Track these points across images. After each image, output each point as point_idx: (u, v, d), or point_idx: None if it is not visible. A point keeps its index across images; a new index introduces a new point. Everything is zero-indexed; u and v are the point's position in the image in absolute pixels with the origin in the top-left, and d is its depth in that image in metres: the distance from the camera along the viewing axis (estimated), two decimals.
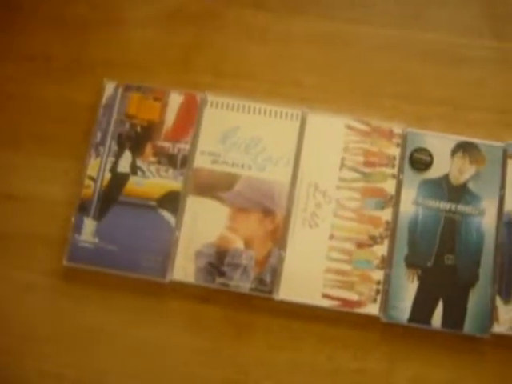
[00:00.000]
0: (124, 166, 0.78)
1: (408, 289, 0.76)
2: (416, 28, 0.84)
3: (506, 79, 0.83)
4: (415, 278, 0.76)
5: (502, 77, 0.83)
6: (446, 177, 0.79)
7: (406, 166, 0.79)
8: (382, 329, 0.76)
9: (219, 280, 0.75)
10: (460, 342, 0.76)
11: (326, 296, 0.75)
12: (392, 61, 0.83)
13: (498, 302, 0.76)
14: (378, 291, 0.76)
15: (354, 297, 0.75)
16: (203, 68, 0.82)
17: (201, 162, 0.78)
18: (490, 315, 0.75)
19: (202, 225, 0.77)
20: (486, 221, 0.78)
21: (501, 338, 0.75)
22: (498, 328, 0.75)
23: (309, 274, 0.76)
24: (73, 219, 0.77)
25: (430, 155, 0.79)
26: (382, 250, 0.77)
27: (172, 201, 0.77)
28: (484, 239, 0.77)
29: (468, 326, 0.75)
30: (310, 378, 0.75)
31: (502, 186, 0.79)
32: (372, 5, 0.85)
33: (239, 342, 0.76)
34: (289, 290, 0.76)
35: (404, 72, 0.83)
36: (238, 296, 0.76)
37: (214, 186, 0.78)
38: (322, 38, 0.83)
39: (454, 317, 0.75)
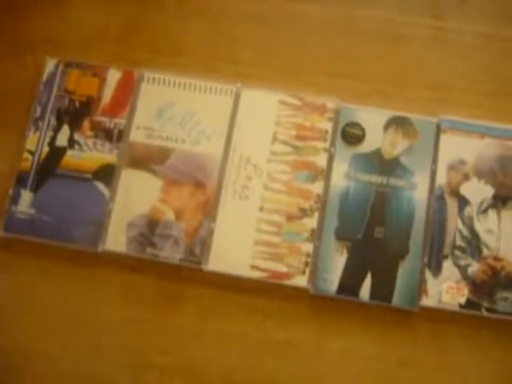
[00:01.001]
0: (62, 140, 0.80)
1: (337, 261, 0.76)
2: (355, 6, 0.85)
3: (442, 57, 0.83)
4: (345, 251, 0.76)
5: (438, 54, 0.83)
6: (379, 151, 0.79)
7: (339, 140, 0.79)
8: (311, 301, 0.76)
9: (150, 250, 0.77)
10: (389, 315, 0.76)
11: (254, 268, 0.76)
12: (330, 38, 0.84)
13: (428, 275, 0.76)
14: (306, 263, 0.76)
15: (282, 269, 0.76)
16: (142, 45, 0.84)
17: (136, 136, 0.80)
18: (419, 288, 0.75)
19: (135, 197, 0.78)
20: (418, 194, 0.78)
21: (429, 311, 0.75)
22: (427, 301, 0.75)
23: (238, 245, 0.77)
24: (10, 191, 0.79)
25: (363, 129, 0.79)
26: (312, 222, 0.77)
27: (107, 173, 0.79)
28: (415, 213, 0.77)
29: (397, 299, 0.75)
30: (238, 347, 0.76)
31: (434, 161, 0.79)
32: None
33: (169, 312, 0.77)
34: (218, 262, 0.76)
35: (342, 49, 0.84)
36: (169, 266, 0.77)
37: (148, 160, 0.79)
38: (260, 15, 0.85)
39: (383, 289, 0.75)
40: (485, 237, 0.77)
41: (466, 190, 0.78)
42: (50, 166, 0.79)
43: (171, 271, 0.77)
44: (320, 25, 0.84)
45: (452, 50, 0.84)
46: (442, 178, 0.78)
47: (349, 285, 0.76)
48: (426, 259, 0.76)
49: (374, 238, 0.76)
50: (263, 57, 0.83)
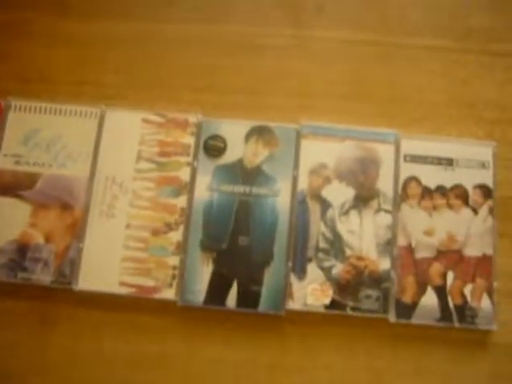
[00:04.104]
0: None
1: (203, 272, 0.78)
2: (213, 21, 0.87)
3: (302, 65, 0.86)
4: (210, 261, 0.78)
5: (298, 62, 0.86)
6: (241, 161, 0.81)
7: (201, 153, 0.81)
8: (180, 312, 0.78)
9: (21, 275, 0.78)
10: (256, 321, 0.77)
11: (123, 284, 0.78)
12: (191, 54, 0.86)
13: (293, 279, 0.77)
14: (174, 276, 0.78)
15: (150, 283, 0.78)
16: (9, 75, 0.86)
17: (4, 163, 0.82)
18: (285, 292, 0.77)
19: (5, 223, 0.80)
20: (281, 201, 0.80)
21: (296, 314, 0.77)
22: (293, 304, 0.77)
23: (106, 263, 0.78)
24: None
25: (224, 141, 0.81)
26: (177, 236, 0.79)
27: None
28: (278, 219, 0.79)
29: (263, 305, 0.77)
30: (111, 365, 0.77)
31: (296, 166, 0.81)
32: (171, 3, 0.88)
33: (44, 334, 0.78)
34: (87, 281, 0.78)
35: (203, 65, 0.86)
36: (41, 289, 0.78)
37: (17, 186, 0.81)
38: (121, 37, 0.86)
39: (249, 296, 0.77)
40: (347, 237, 0.79)
41: (327, 192, 0.80)
42: None
43: (43, 294, 0.78)
44: (181, 42, 0.86)
45: (312, 58, 0.86)
46: (303, 183, 0.80)
47: (215, 294, 0.77)
48: (290, 264, 0.78)
49: (239, 246, 0.78)
50: (127, 78, 0.85)
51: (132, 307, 0.78)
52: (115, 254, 0.78)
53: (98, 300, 0.78)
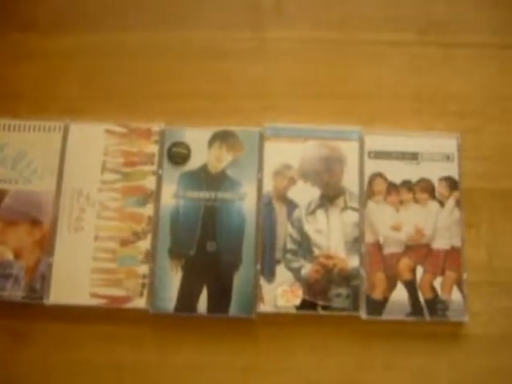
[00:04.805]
0: None
1: (173, 279, 0.78)
2: (172, 28, 0.88)
3: (264, 67, 0.86)
4: (179, 268, 0.78)
5: (260, 65, 0.86)
6: (205, 167, 0.81)
7: (165, 161, 0.82)
8: (152, 320, 0.78)
9: None
10: (228, 325, 0.77)
11: (94, 295, 0.78)
12: (152, 62, 0.86)
13: (262, 281, 0.78)
14: (144, 285, 0.78)
15: (121, 293, 0.78)
16: None
17: None
18: (255, 296, 0.77)
19: None
20: (247, 205, 0.80)
21: (268, 317, 0.77)
22: (264, 307, 0.77)
23: (76, 276, 0.79)
24: None
25: (187, 148, 0.81)
26: (145, 244, 0.79)
27: None
28: (245, 223, 0.79)
29: (234, 309, 0.77)
30: (90, 375, 0.77)
31: (260, 169, 0.81)
32: (129, 12, 0.88)
33: (17, 349, 0.78)
34: (58, 294, 0.78)
35: (164, 72, 0.86)
36: (12, 305, 0.78)
37: None
38: (84, 50, 0.87)
39: (219, 301, 0.77)
40: (315, 237, 0.79)
41: (293, 193, 0.80)
42: None
43: (15, 310, 0.79)
44: (141, 50, 0.87)
45: (272, 59, 0.86)
46: (268, 185, 0.80)
47: (186, 301, 0.77)
48: (259, 266, 0.78)
49: (207, 252, 0.78)
50: (90, 90, 0.85)
51: (104, 318, 0.78)
52: (85, 267, 0.79)
53: (70, 313, 0.78)
